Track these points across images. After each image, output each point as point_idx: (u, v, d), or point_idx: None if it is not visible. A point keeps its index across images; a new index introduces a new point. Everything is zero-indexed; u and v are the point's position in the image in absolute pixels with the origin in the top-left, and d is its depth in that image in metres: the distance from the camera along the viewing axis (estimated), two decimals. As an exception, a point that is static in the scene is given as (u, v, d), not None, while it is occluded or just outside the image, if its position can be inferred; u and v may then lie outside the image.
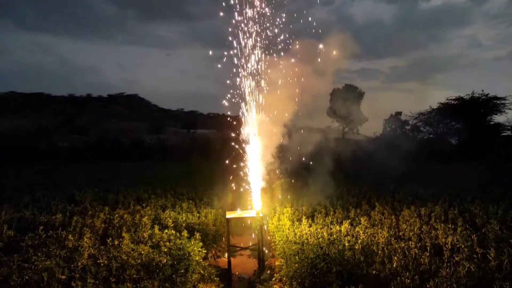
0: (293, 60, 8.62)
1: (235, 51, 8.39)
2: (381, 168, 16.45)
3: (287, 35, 8.57)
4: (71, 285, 4.13)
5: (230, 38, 8.36)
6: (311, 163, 10.09)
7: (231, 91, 8.54)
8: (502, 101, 33.37)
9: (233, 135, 8.92)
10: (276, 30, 8.53)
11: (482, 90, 33.68)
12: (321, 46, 8.77)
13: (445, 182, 13.60)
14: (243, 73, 8.48)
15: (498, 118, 34.36)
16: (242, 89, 8.45)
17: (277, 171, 8.94)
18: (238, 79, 8.50)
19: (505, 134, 33.74)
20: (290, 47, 8.59)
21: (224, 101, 8.57)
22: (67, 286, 4.18)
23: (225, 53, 8.39)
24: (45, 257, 4.94)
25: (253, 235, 8.67)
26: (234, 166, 8.78)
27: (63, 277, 4.37)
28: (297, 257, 5.40)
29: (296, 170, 10.78)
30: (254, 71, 8.49)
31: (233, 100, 8.53)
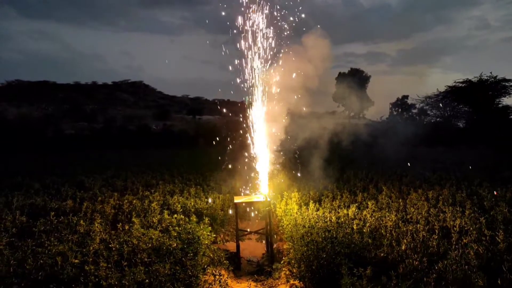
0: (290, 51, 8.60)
1: (241, 34, 8.34)
2: (387, 152, 16.40)
3: (291, 19, 8.49)
4: (85, 268, 4.22)
5: (236, 21, 8.30)
6: (314, 148, 10.10)
7: (237, 76, 8.52)
8: (511, 83, 32.94)
9: (238, 119, 8.95)
10: (281, 12, 8.46)
11: (491, 72, 33.27)
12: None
13: (453, 166, 13.55)
14: (249, 58, 8.43)
15: (507, 101, 33.96)
16: (248, 74, 8.42)
17: (283, 157, 8.98)
18: (243, 64, 8.47)
19: (513, 116, 33.40)
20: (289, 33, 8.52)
21: (230, 86, 8.57)
22: (81, 269, 4.26)
23: (231, 34, 8.35)
24: (58, 242, 5.05)
25: (259, 217, 8.75)
26: (242, 149, 8.83)
27: (76, 261, 4.46)
28: (305, 240, 5.45)
29: (300, 155, 10.79)
30: (260, 55, 8.44)
31: (240, 84, 8.52)
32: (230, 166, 10.32)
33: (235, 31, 8.33)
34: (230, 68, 8.60)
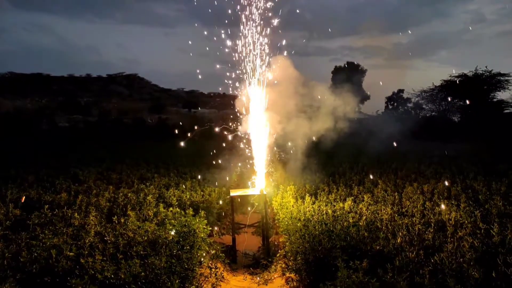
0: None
1: (239, 25, 8.31)
2: (383, 146, 16.41)
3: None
4: (80, 261, 4.19)
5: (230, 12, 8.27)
6: (308, 142, 10.09)
7: (232, 69, 8.50)
8: (506, 78, 33.07)
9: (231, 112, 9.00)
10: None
11: (486, 67, 33.33)
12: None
13: (448, 159, 13.61)
14: (245, 49, 8.40)
15: (502, 95, 34.10)
16: (246, 66, 8.39)
17: (278, 151, 9.00)
18: (240, 56, 8.43)
19: (508, 111, 33.58)
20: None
21: (226, 80, 8.56)
22: (76, 262, 4.23)
23: (225, 30, 8.32)
24: (53, 235, 5.00)
25: (255, 210, 8.74)
26: (236, 140, 8.84)
27: (71, 254, 4.42)
28: (301, 233, 5.46)
29: (296, 149, 10.78)
30: (257, 46, 8.40)
31: (237, 76, 8.50)
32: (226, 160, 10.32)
33: (228, 21, 8.32)
34: (223, 59, 8.58)
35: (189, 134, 9.55)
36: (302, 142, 9.68)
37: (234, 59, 8.47)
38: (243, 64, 8.43)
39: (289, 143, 9.62)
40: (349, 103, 10.53)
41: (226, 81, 8.74)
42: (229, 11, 8.30)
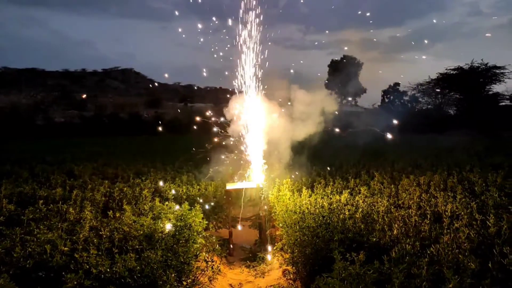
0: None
1: (232, 19, 8.26)
2: (378, 139, 16.40)
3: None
4: (74, 256, 4.15)
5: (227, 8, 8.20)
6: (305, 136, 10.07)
7: (229, 63, 8.46)
8: (502, 70, 33.16)
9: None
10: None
11: (482, 59, 33.38)
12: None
13: (444, 152, 13.64)
14: (241, 43, 8.35)
15: (497, 88, 34.23)
16: (242, 61, 8.35)
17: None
18: (236, 50, 8.39)
19: (503, 103, 33.72)
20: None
21: (221, 74, 8.52)
22: (71, 257, 4.19)
23: (217, 21, 8.27)
24: (47, 230, 4.95)
25: (247, 202, 8.73)
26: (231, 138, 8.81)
27: (66, 248, 4.38)
28: (298, 226, 5.44)
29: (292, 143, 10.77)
30: (253, 41, 8.36)
31: (232, 72, 8.46)
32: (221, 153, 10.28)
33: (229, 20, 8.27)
34: (221, 54, 8.52)
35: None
36: (290, 143, 9.67)
37: (229, 50, 8.43)
38: (237, 58, 8.40)
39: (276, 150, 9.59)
40: (331, 102, 10.50)
41: (222, 75, 8.71)
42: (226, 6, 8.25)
